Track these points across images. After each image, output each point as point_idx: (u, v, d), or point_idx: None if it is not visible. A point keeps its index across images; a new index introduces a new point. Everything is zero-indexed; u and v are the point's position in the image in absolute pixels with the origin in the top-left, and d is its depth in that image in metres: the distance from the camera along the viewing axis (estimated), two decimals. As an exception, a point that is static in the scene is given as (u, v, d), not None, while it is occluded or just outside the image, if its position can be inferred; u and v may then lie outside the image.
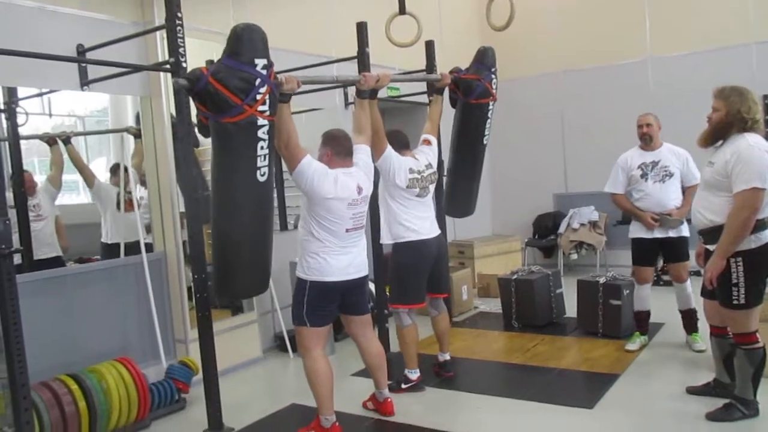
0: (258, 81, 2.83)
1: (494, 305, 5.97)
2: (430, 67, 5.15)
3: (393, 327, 4.18)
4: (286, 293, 4.68)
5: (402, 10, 4.79)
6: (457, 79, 4.25)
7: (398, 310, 3.94)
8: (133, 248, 4.36)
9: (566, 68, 7.52)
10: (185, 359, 4.11)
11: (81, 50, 3.85)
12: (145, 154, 4.41)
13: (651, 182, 4.39)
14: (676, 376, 3.99)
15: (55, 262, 4.36)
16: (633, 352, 4.43)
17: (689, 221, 3.79)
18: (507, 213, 8.06)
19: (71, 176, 4.81)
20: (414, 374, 4.00)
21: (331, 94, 5.52)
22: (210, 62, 4.14)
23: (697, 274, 4.11)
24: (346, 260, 3.28)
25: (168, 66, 3.48)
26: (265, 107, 2.88)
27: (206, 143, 3.43)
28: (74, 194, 5.14)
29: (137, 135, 4.50)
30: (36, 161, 4.88)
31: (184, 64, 3.43)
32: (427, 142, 4.09)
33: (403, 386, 3.97)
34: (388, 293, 4.15)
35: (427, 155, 4.02)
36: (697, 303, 4.00)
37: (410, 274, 3.91)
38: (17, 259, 3.71)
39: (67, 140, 4.56)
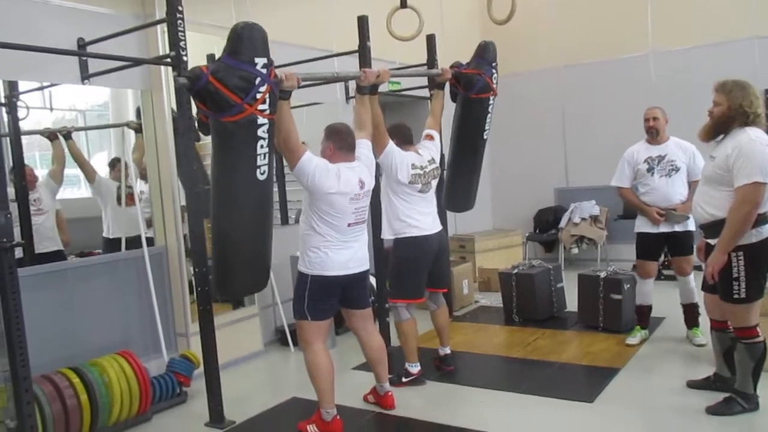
0: (258, 80, 2.83)
1: (495, 299, 5.97)
2: (431, 61, 5.14)
3: (393, 321, 4.19)
4: (287, 287, 4.69)
5: (403, 4, 4.78)
6: (457, 73, 4.24)
7: (396, 305, 3.95)
8: (134, 242, 4.36)
9: (568, 62, 7.50)
10: (186, 353, 4.11)
11: (81, 44, 3.84)
12: (146, 149, 4.41)
13: (657, 176, 4.37)
14: (676, 370, 4.00)
15: (57, 256, 4.37)
16: (633, 346, 4.44)
17: None
18: (508, 207, 8.05)
19: (72, 170, 4.81)
20: (415, 368, 4.01)
21: (331, 88, 5.51)
22: (211, 56, 4.17)
23: (698, 268, 4.11)
24: (347, 254, 3.28)
25: (169, 60, 3.47)
26: (265, 106, 2.88)
27: (207, 137, 3.43)
28: (75, 188, 5.15)
29: (138, 129, 4.50)
30: (37, 155, 4.89)
31: (184, 58, 3.43)
32: (430, 137, 4.09)
33: (404, 380, 3.98)
34: (388, 287, 4.15)
35: (430, 150, 4.02)
36: (699, 297, 3.99)
37: (410, 269, 3.91)
38: (19, 252, 3.72)
39: (67, 135, 4.56)
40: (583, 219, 7.14)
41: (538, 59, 7.64)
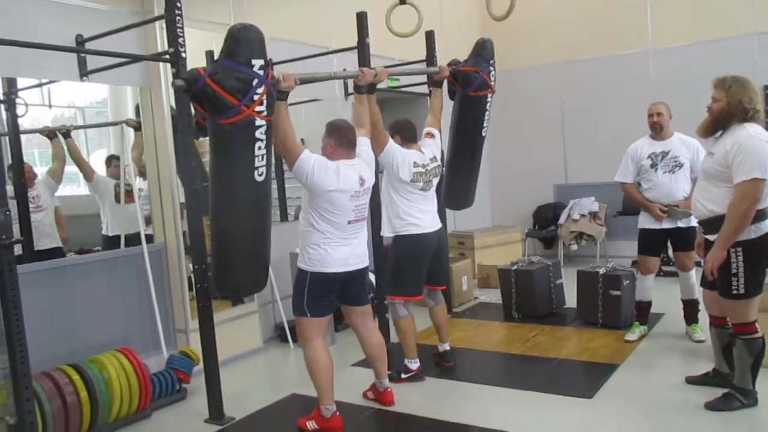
0: (255, 81, 2.84)
1: (494, 296, 5.98)
2: (431, 57, 5.13)
3: (392, 318, 4.19)
4: (287, 284, 4.69)
5: (402, 0, 4.77)
6: (455, 71, 4.24)
7: (394, 302, 3.95)
8: (133, 239, 4.36)
9: (567, 59, 7.50)
10: (186, 349, 4.12)
11: (80, 40, 3.83)
12: (145, 146, 4.41)
13: (660, 173, 4.35)
14: (675, 366, 4.00)
15: (56, 253, 4.38)
16: (632, 342, 4.44)
17: None
18: (507, 204, 8.05)
19: (72, 168, 4.81)
20: (414, 364, 4.01)
21: (330, 84, 5.50)
22: (210, 53, 4.17)
23: (699, 264, 4.11)
24: (346, 251, 3.28)
25: (167, 56, 3.47)
26: (263, 107, 2.89)
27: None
28: (75, 186, 5.15)
29: (137, 128, 4.49)
30: (36, 153, 4.88)
31: (183, 55, 3.43)
32: (431, 135, 4.09)
33: (404, 376, 3.99)
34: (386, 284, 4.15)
35: (432, 148, 4.02)
36: (700, 294, 3.99)
37: (409, 267, 3.91)
38: (18, 249, 3.72)
39: (67, 134, 4.55)
40: (582, 215, 7.14)
41: (537, 55, 7.63)
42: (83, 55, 3.80)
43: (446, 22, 6.81)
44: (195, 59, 3.66)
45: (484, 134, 4.45)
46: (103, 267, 4.12)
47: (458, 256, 6.56)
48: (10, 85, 4.13)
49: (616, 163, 4.58)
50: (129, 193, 4.60)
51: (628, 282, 4.77)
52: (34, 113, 4.47)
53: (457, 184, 4.60)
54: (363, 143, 3.43)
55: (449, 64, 4.26)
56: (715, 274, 3.16)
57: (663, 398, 3.52)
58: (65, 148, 4.58)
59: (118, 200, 4.69)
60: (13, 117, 4.16)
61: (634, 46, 7.01)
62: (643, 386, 3.74)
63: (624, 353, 4.26)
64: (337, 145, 3.27)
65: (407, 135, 3.92)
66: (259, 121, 2.89)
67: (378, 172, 3.70)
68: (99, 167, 4.92)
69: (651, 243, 4.45)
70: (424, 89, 5.36)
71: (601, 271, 4.90)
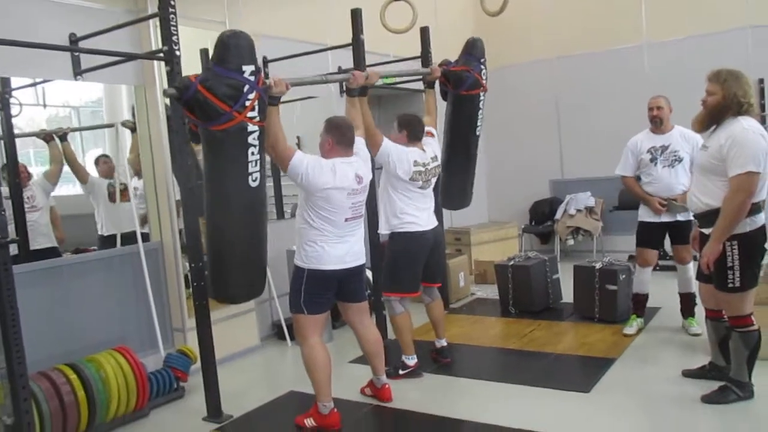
0: (246, 87, 2.85)
1: (491, 291, 5.99)
2: (426, 53, 5.13)
3: (388, 315, 4.19)
4: (284, 281, 4.69)
5: (397, -4, 4.77)
6: (446, 71, 4.25)
7: (390, 299, 3.96)
8: (129, 238, 4.35)
9: (561, 54, 7.49)
10: (183, 348, 4.12)
11: (74, 39, 3.82)
12: (140, 144, 4.39)
13: (660, 167, 4.35)
14: (672, 359, 4.01)
15: (51, 253, 4.35)
16: (631, 336, 4.45)
17: None
18: (503, 199, 8.06)
19: (69, 168, 4.78)
20: (411, 360, 4.02)
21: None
22: (204, 51, 4.16)
23: (694, 258, 4.13)
24: (343, 249, 3.28)
25: (161, 54, 3.46)
26: (254, 113, 2.90)
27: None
28: (70, 185, 5.12)
29: (134, 129, 4.48)
30: (32, 152, 4.86)
31: (177, 53, 3.42)
32: (430, 134, 4.08)
33: (401, 372, 3.99)
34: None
35: (433, 147, 4.02)
36: (696, 288, 4.01)
37: (405, 264, 3.91)
38: (14, 249, 3.70)
39: (63, 137, 4.54)
40: (579, 210, 7.15)
41: (532, 51, 7.62)
42: (77, 54, 3.79)
43: (441, 19, 6.79)
44: (189, 57, 3.65)
45: (478, 133, 4.45)
46: (100, 266, 4.11)
47: (455, 252, 6.57)
48: (4, 84, 4.11)
49: (612, 157, 4.59)
50: (124, 192, 4.58)
51: (624, 276, 4.78)
52: (28, 113, 4.45)
53: (453, 184, 4.60)
54: (359, 142, 3.44)
55: (440, 65, 4.27)
56: (711, 268, 3.17)
57: (660, 392, 3.53)
58: (62, 151, 4.56)
59: (112, 200, 4.67)
60: (7, 117, 4.14)
61: (628, 41, 7.00)
62: (640, 380, 3.75)
63: (620, 347, 4.28)
64: (335, 143, 3.27)
65: (413, 133, 3.89)
66: (251, 127, 2.91)
67: (375, 169, 3.70)
68: (91, 167, 4.90)
69: (650, 236, 4.45)
70: (420, 85, 5.35)
71: (598, 265, 4.91)
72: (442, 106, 4.40)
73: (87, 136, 5.18)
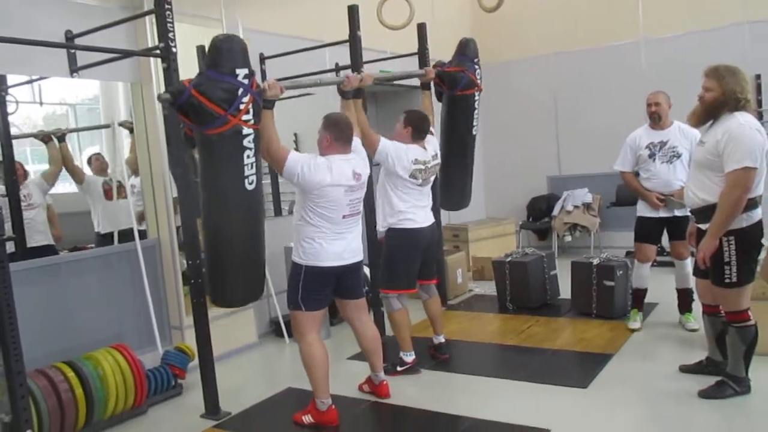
0: (240, 91, 2.86)
1: (489, 288, 5.99)
2: (422, 50, 5.13)
3: (386, 311, 4.19)
4: (282, 278, 4.69)
5: (393, -7, 4.77)
6: (441, 72, 4.25)
7: (387, 295, 3.96)
8: (127, 235, 4.35)
9: (558, 50, 7.49)
10: (181, 345, 4.12)
11: (70, 36, 3.81)
12: (137, 141, 4.39)
13: (658, 162, 4.35)
14: (669, 355, 4.02)
15: (48, 250, 4.35)
16: (637, 330, 4.45)
17: None
18: (501, 196, 8.07)
19: (66, 164, 4.78)
20: (409, 357, 4.02)
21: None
22: (200, 47, 4.15)
23: (692, 254, 4.14)
24: (341, 245, 3.28)
25: (158, 51, 3.45)
26: (249, 116, 2.91)
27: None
28: (67, 183, 5.12)
29: (132, 130, 4.47)
30: (29, 150, 4.85)
31: (174, 49, 3.41)
32: (430, 133, 4.09)
33: (399, 369, 4.00)
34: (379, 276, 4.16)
35: (434, 145, 4.02)
36: (694, 283, 4.01)
37: (402, 260, 3.91)
38: (11, 247, 3.70)
39: (62, 137, 4.53)
40: (576, 207, 7.16)
41: (529, 47, 7.62)
42: (73, 50, 3.77)
43: (438, 15, 6.79)
44: (185, 54, 3.64)
45: (474, 132, 4.46)
46: (97, 264, 4.11)
47: (453, 249, 6.57)
48: (0, 82, 4.10)
49: (610, 153, 4.59)
50: (120, 189, 4.58)
51: (621, 272, 4.79)
52: (24, 111, 4.44)
53: (452, 184, 4.61)
54: (356, 141, 3.44)
55: (434, 66, 4.27)
56: (708, 263, 3.18)
57: (657, 387, 3.54)
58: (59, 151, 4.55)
59: (108, 197, 4.66)
60: (3, 114, 4.13)
61: (625, 37, 7.00)
62: (638, 375, 3.76)
63: (618, 343, 4.28)
64: (333, 140, 3.26)
65: (418, 131, 3.87)
66: (246, 130, 2.92)
67: (372, 165, 3.69)
68: (85, 166, 4.89)
69: (648, 231, 4.46)
70: (416, 82, 5.35)
71: (595, 261, 4.92)
72: (437, 107, 4.39)
73: (84, 134, 5.18)
